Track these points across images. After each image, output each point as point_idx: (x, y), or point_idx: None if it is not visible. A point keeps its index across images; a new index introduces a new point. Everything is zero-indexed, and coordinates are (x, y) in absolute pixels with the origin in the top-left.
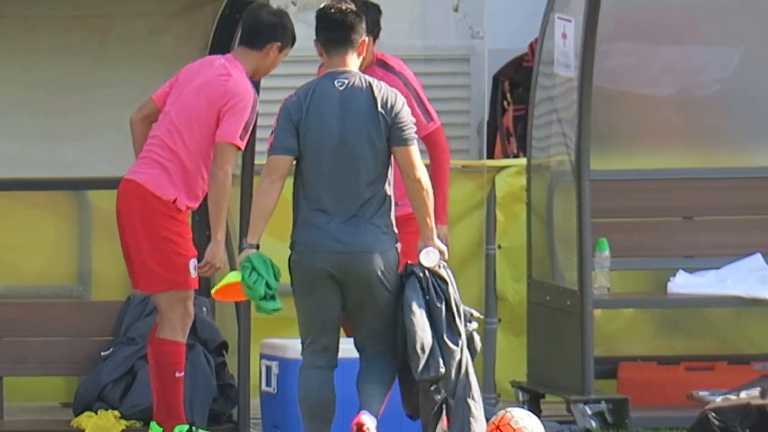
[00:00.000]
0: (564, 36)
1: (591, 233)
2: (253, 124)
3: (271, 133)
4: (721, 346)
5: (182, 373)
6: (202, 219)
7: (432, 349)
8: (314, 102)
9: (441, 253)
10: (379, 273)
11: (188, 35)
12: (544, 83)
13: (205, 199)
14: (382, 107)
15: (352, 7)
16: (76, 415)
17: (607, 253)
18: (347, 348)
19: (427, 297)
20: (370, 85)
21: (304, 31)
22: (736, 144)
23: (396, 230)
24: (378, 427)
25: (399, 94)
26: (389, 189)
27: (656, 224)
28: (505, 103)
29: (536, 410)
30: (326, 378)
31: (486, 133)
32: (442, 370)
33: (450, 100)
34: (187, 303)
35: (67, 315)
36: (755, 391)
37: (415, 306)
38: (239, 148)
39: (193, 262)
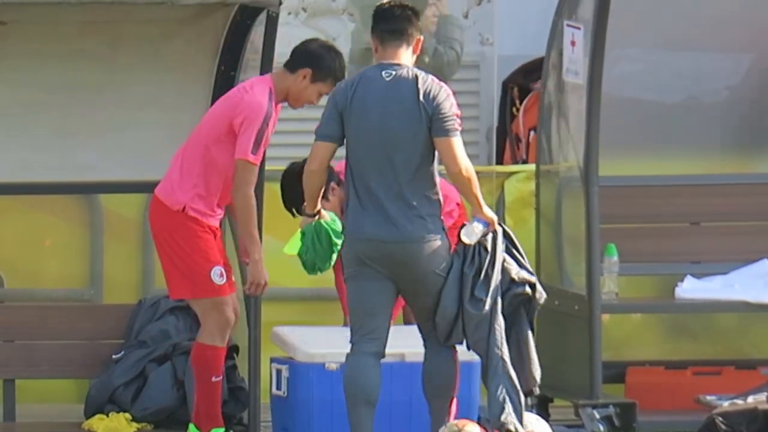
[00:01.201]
0: (573, 43)
1: (599, 238)
2: (266, 138)
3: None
4: (728, 351)
5: (219, 378)
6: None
7: (455, 318)
8: (359, 89)
9: (489, 222)
10: (420, 259)
11: (199, 41)
12: (553, 90)
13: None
14: (423, 98)
15: (410, 5)
16: (88, 417)
17: (615, 258)
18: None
19: (464, 262)
20: (416, 77)
21: (313, 36)
22: (744, 150)
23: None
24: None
25: (444, 87)
26: (434, 178)
27: (664, 230)
28: (514, 109)
29: (545, 414)
30: (371, 364)
31: (495, 139)
32: (462, 338)
33: (460, 106)
34: (221, 308)
35: (79, 318)
36: (762, 396)
37: (451, 275)
38: (252, 163)
39: (217, 270)
